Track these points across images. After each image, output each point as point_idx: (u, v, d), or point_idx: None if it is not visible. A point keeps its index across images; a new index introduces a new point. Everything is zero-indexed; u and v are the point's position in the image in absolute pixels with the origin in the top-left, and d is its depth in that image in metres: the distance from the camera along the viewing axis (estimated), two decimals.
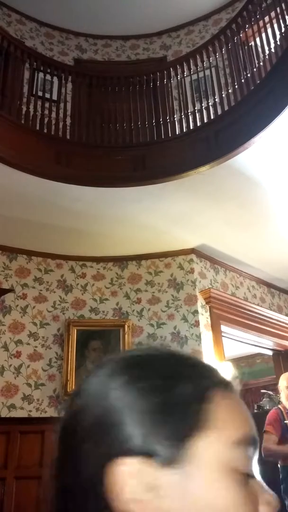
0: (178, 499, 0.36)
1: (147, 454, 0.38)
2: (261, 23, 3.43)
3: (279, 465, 3.17)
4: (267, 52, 3.28)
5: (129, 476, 0.37)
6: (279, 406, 3.37)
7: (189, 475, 0.37)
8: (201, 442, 0.38)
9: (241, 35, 3.63)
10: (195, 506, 0.36)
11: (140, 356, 0.46)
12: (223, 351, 3.97)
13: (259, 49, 3.46)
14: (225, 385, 0.44)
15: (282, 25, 3.15)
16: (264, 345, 4.79)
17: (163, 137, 3.67)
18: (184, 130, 3.58)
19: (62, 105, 3.69)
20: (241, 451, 0.39)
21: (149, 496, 0.37)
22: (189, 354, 0.47)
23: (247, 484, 0.38)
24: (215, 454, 0.38)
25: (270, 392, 4.95)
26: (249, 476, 0.39)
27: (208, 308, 4.07)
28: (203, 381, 0.43)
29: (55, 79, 3.88)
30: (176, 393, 0.41)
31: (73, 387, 3.65)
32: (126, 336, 3.87)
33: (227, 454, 0.38)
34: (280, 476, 3.11)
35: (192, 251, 4.19)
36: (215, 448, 0.38)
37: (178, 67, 3.83)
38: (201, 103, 3.71)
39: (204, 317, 3.99)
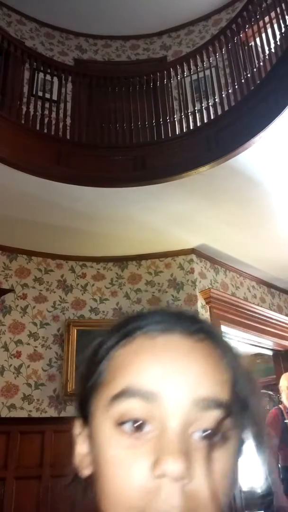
0: (92, 456, 0.42)
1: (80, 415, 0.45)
2: (261, 23, 3.43)
3: (279, 465, 3.17)
4: (267, 52, 3.28)
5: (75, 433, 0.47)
6: (280, 406, 3.37)
7: (92, 434, 0.42)
8: (95, 401, 0.42)
9: (241, 35, 3.63)
10: (96, 462, 0.41)
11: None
12: None
13: (259, 49, 3.46)
14: (151, 328, 0.42)
15: (282, 25, 3.15)
16: (264, 345, 4.79)
17: (163, 137, 3.67)
18: (184, 130, 3.58)
19: (62, 105, 3.69)
20: (122, 406, 0.38)
21: (81, 448, 0.45)
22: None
23: (139, 442, 0.37)
24: (99, 413, 0.41)
25: (270, 392, 4.95)
26: (146, 431, 0.37)
27: (208, 308, 4.07)
28: (120, 331, 0.44)
29: (55, 79, 3.88)
30: (95, 355, 0.45)
31: (73, 387, 3.65)
32: None
33: (108, 411, 0.39)
34: (281, 476, 3.12)
35: (192, 251, 4.19)
36: (100, 406, 0.41)
37: (178, 67, 3.83)
38: (201, 103, 3.71)
39: (204, 317, 3.99)
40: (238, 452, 0.40)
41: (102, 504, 0.38)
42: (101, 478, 0.39)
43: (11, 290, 3.87)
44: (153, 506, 0.35)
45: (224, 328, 4.13)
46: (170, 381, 0.38)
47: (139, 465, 0.36)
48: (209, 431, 0.38)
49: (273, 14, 3.30)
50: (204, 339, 0.42)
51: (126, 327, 0.44)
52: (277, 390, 3.69)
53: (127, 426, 0.38)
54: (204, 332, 0.43)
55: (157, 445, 0.36)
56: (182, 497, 0.34)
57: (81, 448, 0.45)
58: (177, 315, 0.44)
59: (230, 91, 3.54)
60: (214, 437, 0.38)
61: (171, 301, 4.04)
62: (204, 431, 0.38)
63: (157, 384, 0.38)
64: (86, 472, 0.44)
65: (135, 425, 0.38)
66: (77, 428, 0.46)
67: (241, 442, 0.41)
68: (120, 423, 0.38)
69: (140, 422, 0.38)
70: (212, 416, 0.38)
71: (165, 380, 0.38)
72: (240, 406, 0.41)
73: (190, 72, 3.81)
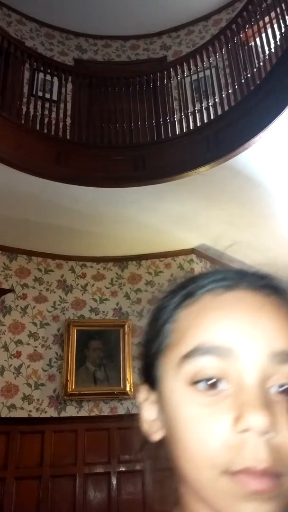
0: (163, 419, 0.41)
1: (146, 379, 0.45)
2: (261, 23, 3.43)
3: None
4: (267, 52, 3.28)
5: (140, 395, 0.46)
6: None
7: (163, 397, 0.41)
8: (163, 365, 0.42)
9: (241, 35, 3.62)
10: (170, 424, 0.40)
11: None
12: None
13: (259, 49, 3.46)
14: (215, 286, 0.41)
15: (282, 25, 3.15)
16: None
17: (163, 137, 3.67)
18: (184, 130, 3.58)
19: (62, 105, 3.69)
20: (195, 364, 0.38)
21: (149, 414, 0.44)
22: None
23: (215, 399, 0.37)
24: (170, 374, 0.40)
25: None
26: (223, 389, 0.37)
27: None
28: (181, 292, 0.43)
29: (55, 79, 3.88)
30: (156, 319, 0.44)
31: (73, 387, 3.65)
32: (126, 336, 3.86)
33: (180, 371, 0.39)
34: None
35: (192, 251, 4.19)
36: (170, 368, 0.40)
37: (178, 67, 3.83)
38: (201, 103, 3.71)
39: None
40: None
41: (181, 465, 0.38)
42: (179, 439, 0.38)
43: (11, 290, 3.87)
44: (238, 462, 0.34)
45: None
46: (244, 336, 0.37)
47: (220, 422, 0.36)
48: (286, 386, 0.37)
49: (273, 14, 3.30)
50: (272, 294, 0.42)
51: (187, 288, 0.43)
52: None
53: (202, 385, 0.37)
54: (270, 287, 0.42)
55: (237, 401, 0.36)
56: (268, 450, 0.34)
57: (148, 413, 0.44)
58: (241, 271, 0.44)
59: (230, 91, 3.54)
60: None
61: None
62: (281, 385, 0.37)
63: (231, 340, 0.37)
64: (156, 437, 0.43)
65: (209, 383, 0.37)
66: (143, 394, 0.46)
67: None
68: (194, 382, 0.38)
69: (214, 379, 0.37)
70: None
71: (239, 335, 0.37)
72: None
73: (190, 72, 3.81)
